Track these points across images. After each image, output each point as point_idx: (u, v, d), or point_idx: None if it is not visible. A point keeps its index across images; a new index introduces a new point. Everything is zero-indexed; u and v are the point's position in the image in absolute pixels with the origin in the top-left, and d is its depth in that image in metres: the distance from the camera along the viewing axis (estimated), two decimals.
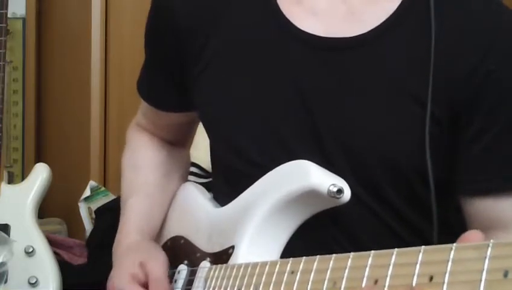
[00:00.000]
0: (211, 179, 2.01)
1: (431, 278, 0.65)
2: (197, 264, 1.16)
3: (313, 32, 1.09)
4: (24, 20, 2.66)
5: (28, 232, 1.96)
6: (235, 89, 1.14)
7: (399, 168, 1.06)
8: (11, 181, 2.06)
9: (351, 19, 1.09)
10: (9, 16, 2.05)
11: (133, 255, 1.20)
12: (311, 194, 1.02)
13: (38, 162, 2.15)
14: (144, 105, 1.36)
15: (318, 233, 1.08)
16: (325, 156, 1.07)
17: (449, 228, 1.06)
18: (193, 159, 2.02)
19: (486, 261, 0.58)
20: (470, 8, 1.07)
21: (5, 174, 2.05)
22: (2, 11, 2.01)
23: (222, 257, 1.11)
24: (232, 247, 1.09)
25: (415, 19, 1.07)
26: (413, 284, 0.66)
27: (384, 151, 1.06)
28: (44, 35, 2.73)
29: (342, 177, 1.03)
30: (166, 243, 1.29)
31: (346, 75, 1.07)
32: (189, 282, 1.16)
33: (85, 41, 2.61)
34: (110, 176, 2.61)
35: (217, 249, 1.14)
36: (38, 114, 2.73)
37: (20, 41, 2.67)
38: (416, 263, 0.68)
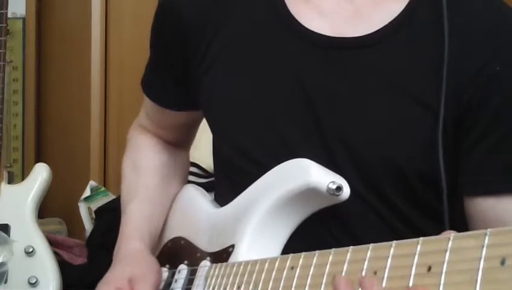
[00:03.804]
0: (211, 179, 2.02)
1: (429, 268, 0.65)
2: (198, 264, 1.16)
3: (320, 32, 1.09)
4: (24, 20, 2.67)
5: (28, 232, 1.96)
6: (239, 88, 1.14)
7: (401, 168, 1.06)
8: (11, 181, 2.06)
9: (357, 20, 1.09)
10: (9, 16, 2.06)
11: (125, 268, 1.19)
12: (310, 192, 1.02)
13: (38, 162, 2.15)
14: (147, 104, 1.36)
15: (319, 232, 1.07)
16: (329, 155, 1.07)
17: (455, 228, 1.06)
18: (193, 159, 2.03)
19: (484, 249, 0.59)
20: (475, 10, 1.07)
21: (5, 174, 2.05)
22: (2, 11, 2.01)
23: (222, 255, 1.11)
24: (232, 246, 1.09)
25: (421, 21, 1.07)
26: (412, 275, 0.66)
27: (386, 151, 1.05)
28: (44, 35, 2.73)
29: (345, 177, 1.02)
30: (166, 244, 1.29)
31: (351, 75, 1.07)
32: (190, 281, 1.16)
33: (85, 41, 2.61)
34: (110, 176, 2.62)
35: (217, 248, 1.14)
36: (38, 114, 2.73)
37: (20, 41, 2.68)
38: (415, 253, 0.68)
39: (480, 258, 0.58)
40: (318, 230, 1.07)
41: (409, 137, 1.05)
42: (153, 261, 1.21)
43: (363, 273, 0.75)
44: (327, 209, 1.05)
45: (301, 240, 1.06)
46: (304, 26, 1.11)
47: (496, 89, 1.04)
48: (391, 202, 1.08)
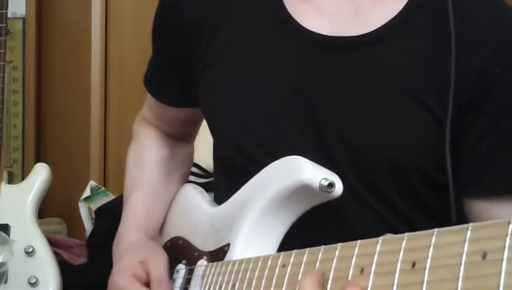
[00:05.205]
0: (211, 179, 2.02)
1: (413, 264, 0.65)
2: (195, 263, 1.16)
3: (319, 32, 1.09)
4: (24, 20, 2.68)
5: (28, 232, 1.96)
6: (237, 88, 1.14)
7: (400, 167, 1.05)
8: (11, 181, 2.07)
9: (358, 19, 1.09)
10: (9, 16, 2.07)
11: (134, 254, 1.21)
12: (303, 189, 1.02)
13: (38, 162, 2.16)
14: (149, 98, 1.36)
15: (316, 231, 1.07)
16: (327, 154, 1.07)
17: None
18: (193, 159, 2.03)
19: (466, 244, 0.58)
20: (475, 10, 1.06)
21: (5, 174, 2.05)
22: (2, 11, 2.02)
23: (218, 254, 1.11)
24: (228, 244, 1.10)
25: (420, 20, 1.07)
26: (397, 271, 0.66)
27: (386, 150, 1.05)
28: (44, 35, 2.74)
29: (344, 175, 1.02)
30: (166, 244, 1.29)
31: (351, 74, 1.07)
32: (188, 281, 1.17)
33: (85, 41, 2.62)
34: (110, 176, 2.62)
35: (213, 247, 1.14)
36: (38, 114, 2.74)
37: (20, 41, 2.68)
38: (400, 250, 0.68)
39: (462, 253, 0.58)
40: (316, 229, 1.07)
41: (407, 135, 1.05)
42: (156, 245, 1.24)
43: (351, 271, 0.75)
44: (325, 208, 1.04)
45: (299, 239, 1.05)
46: (303, 26, 1.10)
47: (495, 90, 1.03)
48: (390, 201, 1.08)
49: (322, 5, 1.11)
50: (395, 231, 1.05)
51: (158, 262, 1.17)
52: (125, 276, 1.17)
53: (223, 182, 1.22)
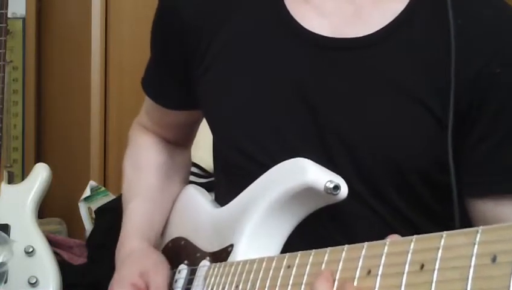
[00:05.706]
0: (211, 179, 2.02)
1: (422, 266, 0.65)
2: (197, 264, 1.16)
3: (320, 32, 1.09)
4: (24, 20, 2.67)
5: (28, 232, 1.96)
6: (237, 88, 1.14)
7: (401, 168, 1.06)
8: (11, 181, 2.06)
9: (357, 20, 1.09)
10: (9, 16, 2.06)
11: (134, 264, 1.21)
12: (308, 191, 1.02)
13: (38, 162, 2.15)
14: (147, 103, 1.36)
15: (319, 233, 1.07)
16: (327, 155, 1.07)
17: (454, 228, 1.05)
18: (193, 159, 2.02)
19: (475, 246, 0.59)
20: (476, 10, 1.07)
21: (5, 174, 2.05)
22: (2, 11, 2.02)
23: (221, 255, 1.11)
24: (231, 245, 1.10)
25: (421, 21, 1.07)
26: (405, 273, 0.66)
27: (386, 151, 1.05)
28: (44, 35, 2.73)
29: (344, 177, 1.02)
30: (167, 244, 1.30)
31: (351, 75, 1.07)
32: (190, 281, 1.17)
33: (85, 41, 2.62)
34: (110, 176, 2.62)
35: (216, 248, 1.14)
36: (38, 114, 2.73)
37: (20, 41, 2.68)
38: (408, 251, 0.68)
39: (471, 256, 0.59)
40: (318, 231, 1.07)
41: (408, 136, 1.05)
42: (158, 255, 1.24)
43: (358, 272, 0.75)
44: (326, 209, 1.04)
45: (302, 242, 1.06)
46: (304, 27, 1.11)
47: (495, 90, 1.04)
48: (391, 201, 1.08)
49: (322, 6, 1.11)
50: (397, 232, 1.05)
51: (157, 272, 1.17)
52: (124, 286, 1.17)
53: (223, 182, 1.23)
